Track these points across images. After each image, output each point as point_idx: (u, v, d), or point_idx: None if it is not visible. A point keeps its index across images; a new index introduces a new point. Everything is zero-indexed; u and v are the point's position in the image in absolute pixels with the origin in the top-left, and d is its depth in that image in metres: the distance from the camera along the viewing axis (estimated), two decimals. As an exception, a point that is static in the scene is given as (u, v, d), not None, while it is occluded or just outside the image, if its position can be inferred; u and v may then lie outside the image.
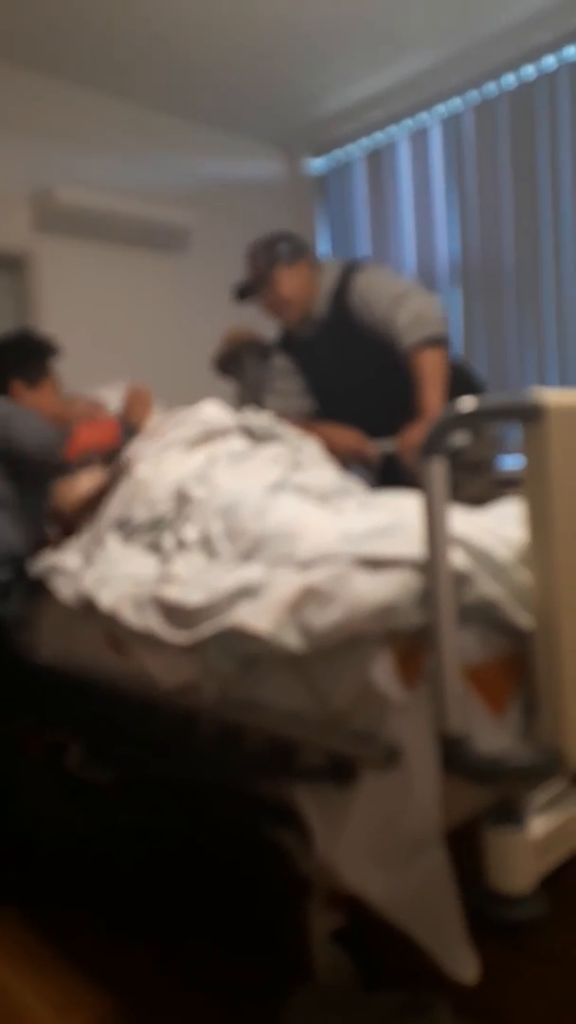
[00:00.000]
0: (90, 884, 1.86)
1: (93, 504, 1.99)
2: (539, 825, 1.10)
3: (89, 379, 2.80)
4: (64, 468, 2.02)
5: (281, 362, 2.45)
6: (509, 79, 3.19)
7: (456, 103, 3.36)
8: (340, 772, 1.16)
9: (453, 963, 1.07)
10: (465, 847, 1.14)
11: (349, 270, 2.30)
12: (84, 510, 2.01)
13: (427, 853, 1.10)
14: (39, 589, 1.77)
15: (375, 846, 1.11)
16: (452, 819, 1.13)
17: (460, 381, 2.25)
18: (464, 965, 1.07)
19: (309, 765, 1.21)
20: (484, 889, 1.08)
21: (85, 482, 2.12)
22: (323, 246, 3.93)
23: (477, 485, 2.21)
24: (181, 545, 1.63)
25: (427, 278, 3.49)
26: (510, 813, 1.11)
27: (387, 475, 2.26)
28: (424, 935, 1.09)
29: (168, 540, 1.67)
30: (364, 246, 3.77)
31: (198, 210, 3.52)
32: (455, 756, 1.07)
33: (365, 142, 3.71)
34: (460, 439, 2.13)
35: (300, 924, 1.33)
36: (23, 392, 2.13)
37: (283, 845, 1.33)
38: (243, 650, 1.25)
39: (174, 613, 1.38)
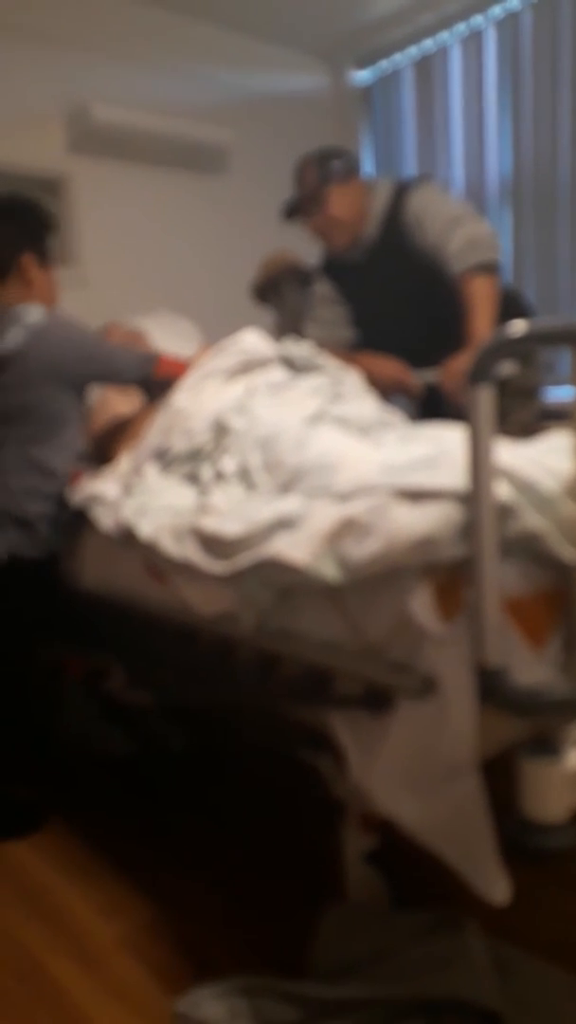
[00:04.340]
0: (132, 800, 1.94)
1: (129, 431, 1.99)
2: (574, 757, 1.10)
3: (126, 306, 2.77)
4: (159, 389, 1.93)
5: (322, 289, 2.37)
6: (572, -26, 2.95)
7: (513, 2, 3.13)
8: (376, 701, 1.17)
9: (484, 885, 1.09)
10: (499, 777, 1.15)
11: (402, 189, 2.20)
12: (117, 435, 2.00)
13: (461, 780, 1.11)
14: (80, 518, 1.79)
15: (409, 773, 1.13)
16: (487, 749, 1.14)
17: (510, 310, 2.16)
18: (495, 887, 1.09)
19: (345, 693, 1.22)
20: (517, 817, 1.09)
21: (120, 404, 2.10)
22: (367, 163, 3.76)
23: (526, 412, 2.14)
24: (219, 477, 1.63)
25: (476, 197, 3.32)
26: (546, 745, 1.11)
27: (429, 407, 2.21)
28: (456, 858, 1.11)
29: (206, 471, 1.66)
30: (410, 162, 3.60)
31: (237, 127, 3.37)
32: (492, 688, 1.06)
33: (413, 51, 3.49)
34: (508, 368, 2.06)
35: (334, 845, 1.38)
36: (35, 271, 1.89)
37: (318, 769, 1.37)
38: (280, 581, 1.25)
39: (212, 544, 1.39)
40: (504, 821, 1.10)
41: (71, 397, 1.84)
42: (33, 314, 1.80)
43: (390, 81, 3.63)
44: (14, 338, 1.76)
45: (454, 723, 1.08)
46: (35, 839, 1.77)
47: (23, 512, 1.78)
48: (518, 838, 1.08)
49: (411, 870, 1.33)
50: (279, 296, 2.58)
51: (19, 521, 1.78)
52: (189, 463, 1.72)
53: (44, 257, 1.91)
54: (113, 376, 1.93)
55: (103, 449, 2.07)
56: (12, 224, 1.89)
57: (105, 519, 1.69)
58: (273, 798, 1.90)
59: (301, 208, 2.24)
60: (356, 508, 1.17)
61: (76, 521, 1.81)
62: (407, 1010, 1.06)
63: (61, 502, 1.83)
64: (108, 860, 1.69)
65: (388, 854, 1.34)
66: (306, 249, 2.58)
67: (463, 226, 2.08)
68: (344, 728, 1.21)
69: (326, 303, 2.37)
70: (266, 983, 1.16)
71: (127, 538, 1.58)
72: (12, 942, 1.47)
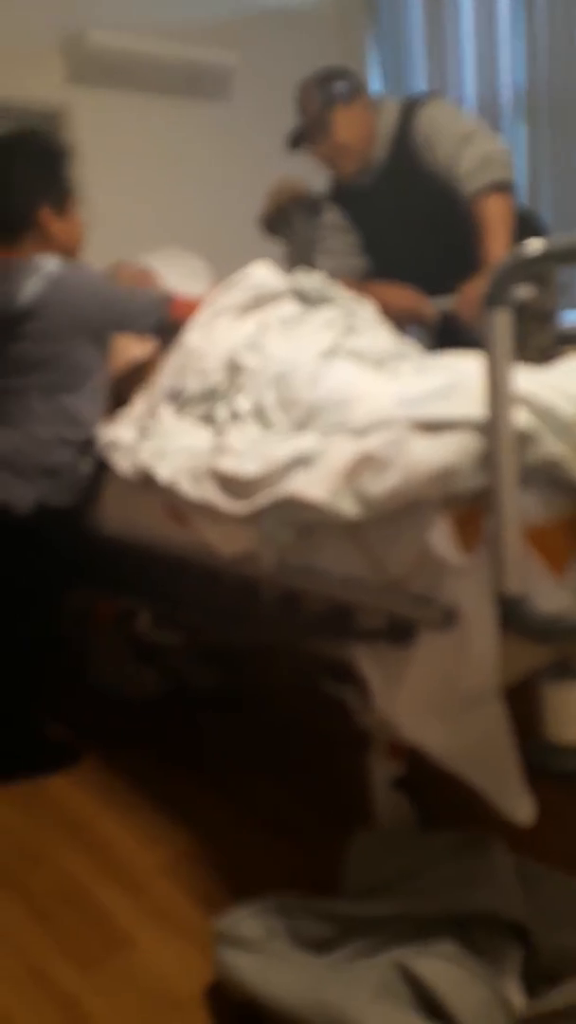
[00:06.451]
0: (167, 737, 2.00)
1: (144, 374, 1.97)
2: (597, 682, 1.11)
3: (134, 243, 2.70)
4: (172, 331, 1.85)
5: (332, 218, 2.30)
6: None
7: None
8: (398, 633, 1.18)
9: (509, 806, 1.12)
10: (521, 701, 1.16)
11: (410, 107, 2.10)
12: (133, 379, 1.99)
13: (485, 706, 1.12)
14: (99, 464, 1.80)
15: (433, 701, 1.15)
16: (510, 675, 1.15)
17: (525, 230, 2.08)
18: (520, 807, 1.12)
19: (367, 626, 1.24)
20: (540, 740, 1.11)
21: (135, 347, 2.08)
22: (374, 80, 3.59)
23: (544, 336, 2.09)
24: (235, 416, 1.61)
25: (489, 112, 3.17)
26: (567, 669, 1.12)
27: (446, 336, 2.16)
28: (482, 780, 1.14)
29: (221, 412, 1.65)
30: (419, 77, 3.43)
31: (240, 48, 3.23)
32: (513, 616, 1.07)
33: (421, -47, 3.29)
34: (525, 291, 2.00)
35: (362, 772, 1.41)
36: (54, 224, 1.78)
37: (343, 701, 1.39)
38: (299, 519, 1.26)
39: (230, 484, 1.39)
40: (527, 744, 1.12)
41: (94, 347, 1.82)
42: (49, 264, 1.75)
43: (397, -11, 3.43)
44: (32, 288, 1.71)
45: (476, 652, 1.10)
46: (75, 775, 1.83)
47: (52, 461, 1.77)
48: (541, 760, 1.10)
49: (437, 794, 1.37)
50: (288, 226, 2.50)
51: (48, 470, 1.77)
52: (204, 403, 1.71)
53: (63, 202, 1.80)
54: (131, 324, 1.89)
55: (119, 393, 2.06)
56: (24, 170, 1.76)
57: (123, 464, 1.69)
58: (302, 730, 1.94)
59: (306, 136, 2.16)
60: (373, 443, 1.16)
61: (95, 467, 1.82)
62: (437, 925, 1.10)
63: (88, 450, 1.82)
64: (146, 793, 1.75)
65: (414, 779, 1.37)
66: (315, 175, 2.49)
67: (474, 144, 1.99)
68: (368, 660, 1.23)
69: (336, 232, 2.30)
70: (301, 903, 1.21)
71: (145, 482, 1.59)
72: (58, 870, 1.54)
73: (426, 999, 0.97)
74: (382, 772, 1.37)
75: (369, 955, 1.08)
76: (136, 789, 1.77)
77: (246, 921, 1.18)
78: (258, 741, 1.94)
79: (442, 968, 1.00)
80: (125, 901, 1.44)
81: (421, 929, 1.09)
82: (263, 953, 1.12)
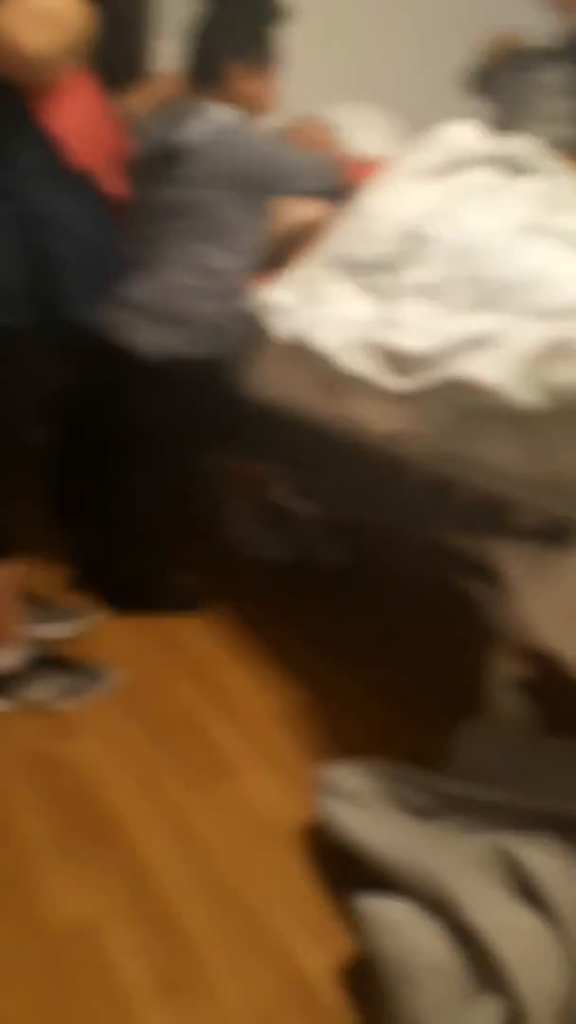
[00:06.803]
0: (287, 600, 2.05)
1: (311, 237, 1.88)
2: None
3: (320, 94, 2.53)
4: (344, 194, 1.76)
5: (552, 78, 2.06)
6: None
7: None
8: (553, 534, 1.13)
9: None
10: None
11: None
12: (298, 242, 1.90)
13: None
14: (254, 326, 1.74)
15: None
16: None
17: None
18: None
19: (522, 524, 1.19)
20: None
21: (302, 209, 1.98)
22: None
23: None
24: (405, 289, 1.52)
25: None
26: None
27: None
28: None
29: (387, 282, 1.55)
30: None
31: None
32: None
33: None
34: None
35: (480, 666, 1.40)
36: (239, 79, 1.69)
37: (474, 596, 1.37)
38: (467, 402, 1.19)
39: (396, 359, 1.33)
40: None
41: (246, 205, 1.74)
42: (221, 112, 1.68)
43: None
44: (195, 131, 1.66)
45: None
46: (201, 621, 1.92)
47: (181, 309, 1.75)
48: None
49: (563, 703, 1.34)
50: (498, 85, 2.25)
51: (177, 318, 1.75)
52: (371, 273, 1.62)
53: (259, 62, 1.72)
54: (292, 185, 1.80)
55: (281, 254, 1.99)
56: (225, 21, 1.70)
57: (279, 328, 1.64)
58: (423, 617, 1.93)
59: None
60: (570, 330, 1.07)
61: (250, 329, 1.77)
62: (542, 822, 1.09)
63: (229, 305, 1.78)
64: (264, 647, 1.83)
65: (539, 684, 1.35)
66: (533, 25, 2.20)
67: None
68: (515, 560, 1.19)
69: (553, 94, 2.06)
70: (404, 771, 1.25)
71: (300, 349, 1.54)
72: (175, 701, 1.65)
73: (523, 885, 0.99)
74: (505, 671, 1.36)
75: (468, 833, 1.11)
76: (256, 642, 1.85)
77: (351, 776, 1.23)
78: (378, 620, 1.96)
79: (545, 859, 1.01)
80: (235, 737, 1.54)
81: (525, 822, 1.10)
82: (365, 808, 1.17)
